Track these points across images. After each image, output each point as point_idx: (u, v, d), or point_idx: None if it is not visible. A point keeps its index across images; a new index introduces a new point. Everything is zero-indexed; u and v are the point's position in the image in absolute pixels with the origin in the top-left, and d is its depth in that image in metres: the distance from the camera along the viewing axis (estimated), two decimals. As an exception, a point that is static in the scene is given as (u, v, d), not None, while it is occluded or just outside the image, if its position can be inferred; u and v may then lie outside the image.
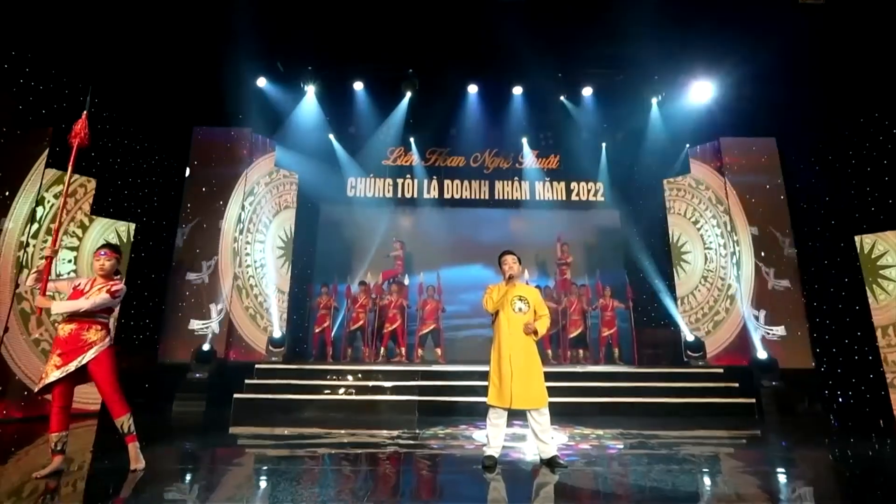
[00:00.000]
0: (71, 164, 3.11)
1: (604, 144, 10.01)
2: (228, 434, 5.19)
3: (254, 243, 7.20)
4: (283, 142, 8.26)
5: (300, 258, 8.20)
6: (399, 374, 6.18)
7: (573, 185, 10.46)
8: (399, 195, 10.40)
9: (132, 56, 6.13)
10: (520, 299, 3.41)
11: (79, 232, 5.42)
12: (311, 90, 8.24)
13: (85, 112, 3.12)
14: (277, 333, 6.93)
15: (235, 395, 5.69)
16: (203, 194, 7.01)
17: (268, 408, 5.70)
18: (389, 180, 10.45)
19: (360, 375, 6.23)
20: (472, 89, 8.70)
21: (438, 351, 8.49)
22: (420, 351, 8.67)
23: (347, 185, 10.41)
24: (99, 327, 3.04)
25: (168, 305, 6.56)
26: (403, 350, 8.48)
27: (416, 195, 10.40)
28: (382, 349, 8.60)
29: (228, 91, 7.62)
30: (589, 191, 10.46)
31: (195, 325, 6.51)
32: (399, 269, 9.29)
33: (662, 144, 8.53)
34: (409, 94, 8.53)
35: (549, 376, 6.41)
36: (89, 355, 2.95)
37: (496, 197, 10.37)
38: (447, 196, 10.40)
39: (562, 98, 8.72)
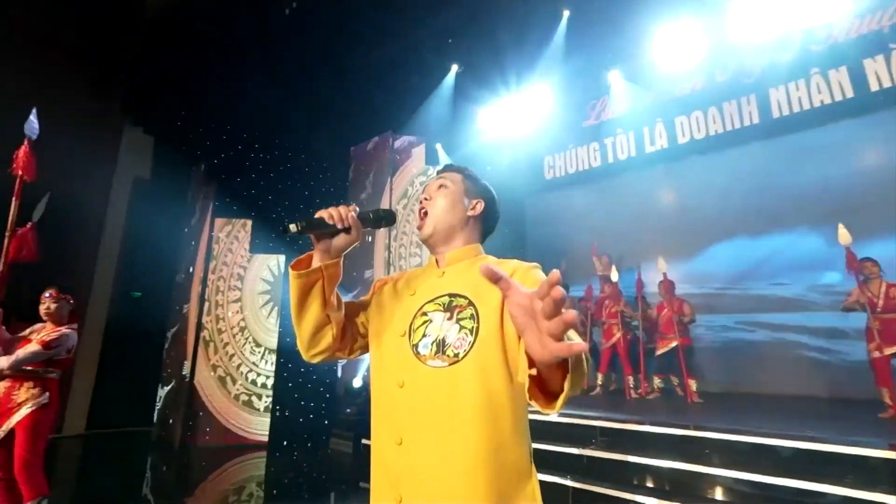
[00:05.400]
0: (15, 199, 2.80)
1: None
2: None
3: (408, 257, 6.30)
4: (438, 136, 7.20)
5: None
6: (558, 430, 3.76)
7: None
8: (611, 159, 7.54)
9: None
10: (447, 308, 0.99)
11: (241, 272, 5.89)
12: (454, 68, 6.90)
13: (27, 140, 2.79)
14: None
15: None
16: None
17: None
18: (595, 145, 7.76)
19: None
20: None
21: (692, 384, 5.27)
22: (657, 381, 5.63)
23: (545, 167, 8.36)
24: (32, 384, 2.58)
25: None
26: (632, 380, 5.71)
27: (633, 153, 7.28)
28: (600, 376, 6.08)
29: (375, 96, 7.22)
30: None
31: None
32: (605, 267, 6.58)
33: None
34: (566, 13, 5.94)
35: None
36: (16, 418, 2.50)
37: (775, 114, 6.00)
38: (683, 140, 6.79)
39: None
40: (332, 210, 1.00)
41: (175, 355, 6.17)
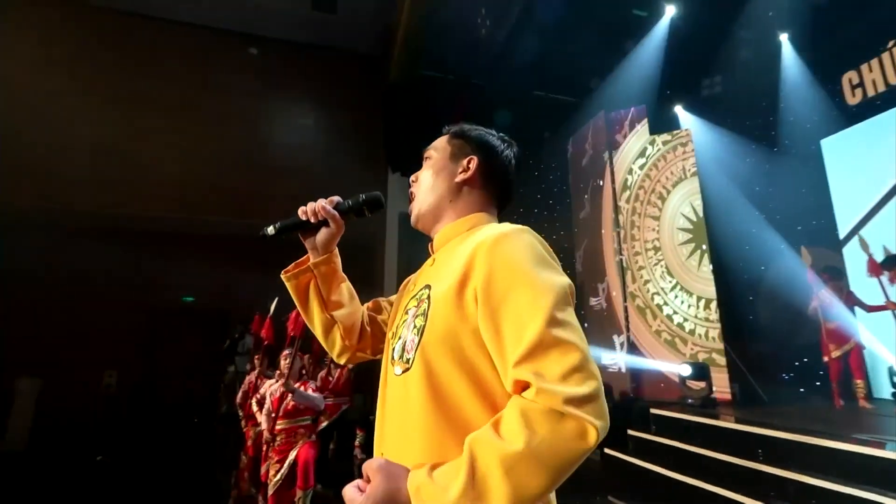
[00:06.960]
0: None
1: None
2: None
3: (642, 240, 5.53)
4: (667, 99, 6.11)
5: (736, 239, 5.38)
6: (869, 466, 2.49)
7: None
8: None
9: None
10: (419, 302, 0.82)
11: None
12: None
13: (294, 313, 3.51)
14: (685, 368, 4.68)
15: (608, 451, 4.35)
16: (574, 204, 6.34)
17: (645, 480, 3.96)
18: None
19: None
20: None
21: None
22: None
23: (845, 89, 5.81)
24: (303, 431, 3.33)
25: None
26: None
27: None
28: None
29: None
30: None
31: (605, 359, 5.70)
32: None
33: None
34: None
35: None
36: (296, 450, 3.25)
37: None
38: None
39: None
40: (307, 206, 0.95)
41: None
